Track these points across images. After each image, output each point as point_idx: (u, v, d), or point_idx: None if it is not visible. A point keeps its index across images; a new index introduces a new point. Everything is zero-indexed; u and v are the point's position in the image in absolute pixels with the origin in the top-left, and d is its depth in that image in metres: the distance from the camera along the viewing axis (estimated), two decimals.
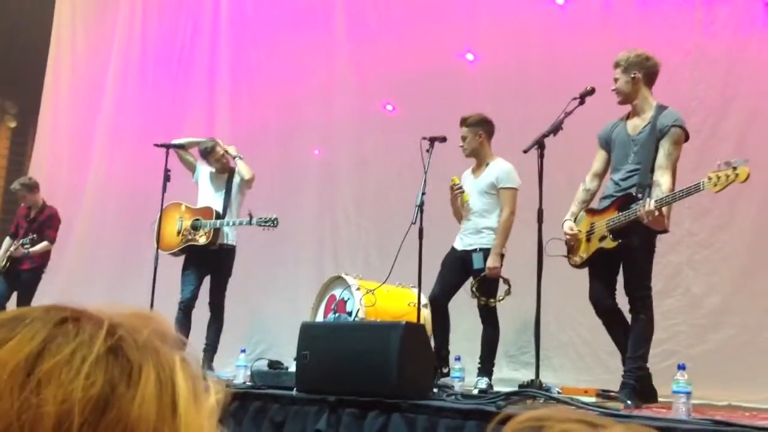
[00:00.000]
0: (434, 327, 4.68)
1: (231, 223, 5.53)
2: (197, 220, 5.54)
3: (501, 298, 4.61)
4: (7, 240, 6.91)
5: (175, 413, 0.48)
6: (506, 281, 4.62)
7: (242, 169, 5.64)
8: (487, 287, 4.62)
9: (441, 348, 4.68)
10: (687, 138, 3.97)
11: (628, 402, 3.61)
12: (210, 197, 5.68)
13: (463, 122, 4.85)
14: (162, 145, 5.62)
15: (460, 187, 4.80)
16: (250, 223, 5.38)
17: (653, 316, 3.87)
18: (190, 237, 5.52)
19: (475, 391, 4.22)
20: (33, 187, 6.88)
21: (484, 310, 4.65)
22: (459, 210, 4.89)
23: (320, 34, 7.52)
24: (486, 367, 4.62)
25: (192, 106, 8.25)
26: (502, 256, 4.66)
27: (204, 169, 5.79)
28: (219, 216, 5.54)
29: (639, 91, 4.04)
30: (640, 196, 3.83)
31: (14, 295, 6.88)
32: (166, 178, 5.50)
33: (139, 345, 0.49)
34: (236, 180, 5.70)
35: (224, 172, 5.74)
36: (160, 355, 0.48)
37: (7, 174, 10.42)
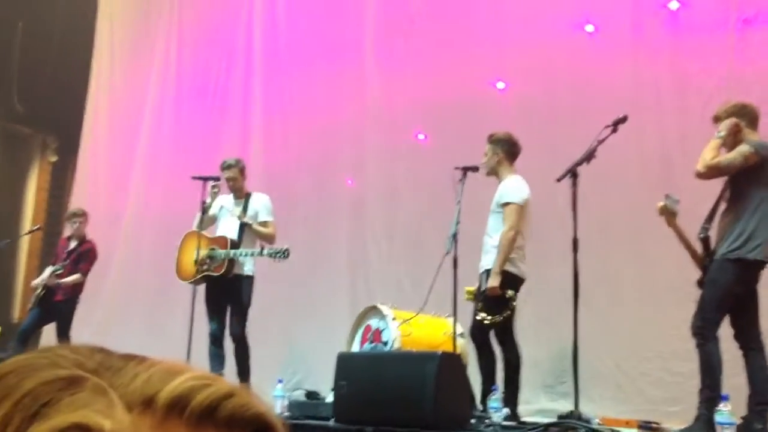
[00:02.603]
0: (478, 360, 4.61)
1: (243, 254, 5.50)
2: (213, 249, 5.55)
3: (497, 319, 4.44)
4: (48, 270, 7.06)
5: None
6: (510, 298, 4.47)
7: (260, 231, 5.60)
8: (494, 307, 4.49)
9: (484, 382, 4.54)
10: None
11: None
12: (227, 225, 5.68)
13: (488, 138, 4.85)
14: (199, 178, 5.70)
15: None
16: (261, 254, 5.38)
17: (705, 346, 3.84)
18: (205, 267, 5.51)
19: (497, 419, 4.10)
20: (87, 217, 7.09)
21: (499, 334, 4.57)
22: None
23: (351, 64, 7.63)
24: (507, 396, 4.42)
25: (226, 138, 8.39)
26: (504, 273, 4.50)
27: (224, 198, 5.79)
28: (234, 244, 5.53)
29: (743, 134, 4.03)
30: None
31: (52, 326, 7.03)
32: (203, 210, 5.60)
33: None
34: (252, 208, 5.67)
35: (240, 197, 5.73)
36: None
37: (48, 207, 10.66)
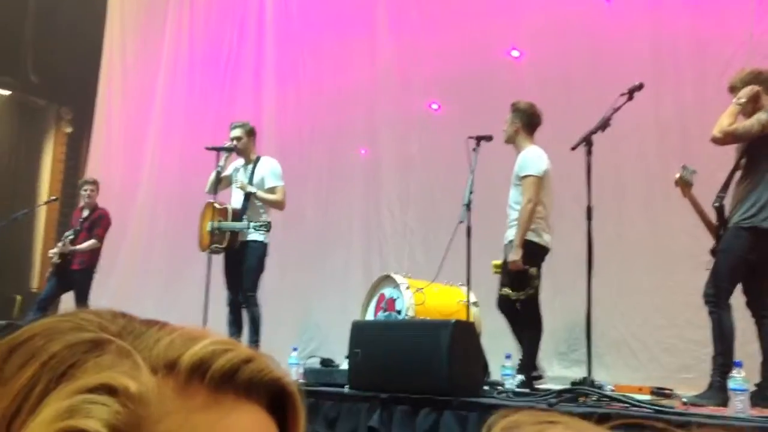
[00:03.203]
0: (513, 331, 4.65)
1: (233, 228, 5.49)
2: (219, 221, 5.55)
3: (521, 296, 4.48)
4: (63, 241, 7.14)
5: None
6: (533, 275, 4.49)
7: (265, 199, 5.57)
8: (518, 283, 4.51)
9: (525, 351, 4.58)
10: None
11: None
12: (236, 194, 5.68)
13: (511, 106, 4.84)
14: (212, 148, 5.71)
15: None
16: (247, 227, 5.39)
17: (718, 314, 3.85)
18: (215, 239, 5.53)
19: (510, 386, 4.14)
20: (98, 186, 7.16)
21: (523, 306, 4.59)
22: None
23: (364, 33, 7.58)
24: (523, 364, 4.52)
25: (239, 107, 8.38)
26: (528, 244, 4.52)
27: (239, 161, 5.76)
28: (237, 214, 5.53)
29: (762, 102, 3.97)
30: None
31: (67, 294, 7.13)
32: (217, 173, 5.61)
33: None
34: (258, 174, 5.63)
35: (249, 162, 5.69)
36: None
37: (64, 178, 10.74)
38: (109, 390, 0.42)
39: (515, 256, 4.51)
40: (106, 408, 0.41)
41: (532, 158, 4.64)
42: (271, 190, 5.59)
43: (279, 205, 5.62)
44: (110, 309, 0.51)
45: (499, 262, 4.73)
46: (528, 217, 4.53)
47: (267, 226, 5.37)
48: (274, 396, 0.48)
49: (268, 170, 5.65)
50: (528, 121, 4.78)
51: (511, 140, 4.81)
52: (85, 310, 0.49)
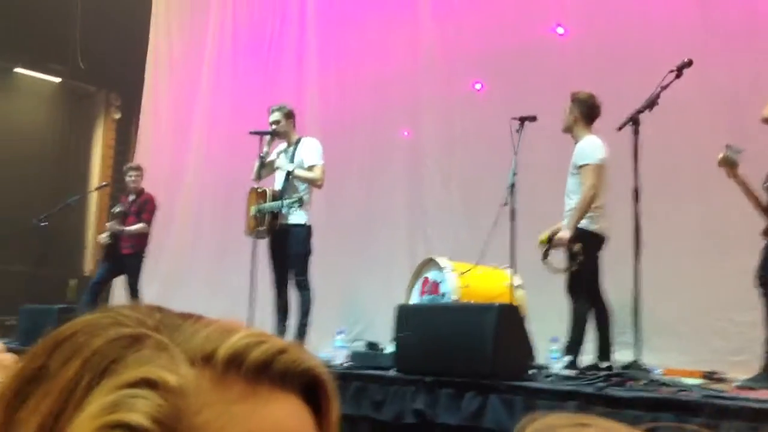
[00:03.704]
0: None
1: (269, 209, 5.53)
2: (259, 203, 5.60)
3: (561, 271, 4.56)
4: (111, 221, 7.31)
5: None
6: (577, 252, 4.48)
7: (303, 176, 5.57)
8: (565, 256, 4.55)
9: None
10: None
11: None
12: (279, 177, 5.71)
13: (570, 96, 4.79)
14: (256, 133, 5.76)
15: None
16: (281, 206, 5.42)
17: None
18: (258, 221, 5.57)
19: (557, 370, 4.12)
20: (142, 171, 7.30)
21: (571, 285, 4.58)
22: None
23: (406, 13, 7.52)
24: (570, 345, 4.48)
25: (282, 91, 8.42)
26: (584, 232, 4.52)
27: (282, 145, 5.78)
28: (276, 195, 5.57)
29: None
30: None
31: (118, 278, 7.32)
32: (261, 159, 5.66)
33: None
34: (298, 154, 5.63)
35: (290, 144, 5.71)
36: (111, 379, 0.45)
37: (114, 164, 10.97)
38: (150, 384, 0.43)
39: (565, 234, 4.51)
40: (148, 401, 0.43)
41: (591, 147, 4.61)
42: (310, 169, 5.58)
43: (316, 182, 5.59)
44: (146, 304, 0.53)
45: (545, 235, 4.71)
46: (586, 205, 4.52)
47: (299, 201, 5.37)
48: (307, 385, 0.49)
49: (307, 149, 5.65)
50: (587, 111, 4.74)
51: (569, 130, 4.77)
52: (123, 306, 0.51)
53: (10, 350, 0.95)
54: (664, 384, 3.31)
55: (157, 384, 0.44)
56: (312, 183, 5.61)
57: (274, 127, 5.69)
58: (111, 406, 0.42)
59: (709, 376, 3.84)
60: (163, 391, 0.43)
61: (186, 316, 0.50)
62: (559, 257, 4.67)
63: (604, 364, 4.35)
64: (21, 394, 0.46)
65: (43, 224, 7.31)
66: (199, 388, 0.45)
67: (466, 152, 6.83)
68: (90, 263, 10.52)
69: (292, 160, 5.64)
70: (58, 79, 10.72)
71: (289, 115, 5.78)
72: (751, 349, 4.24)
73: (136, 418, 0.42)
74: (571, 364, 4.24)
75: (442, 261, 4.92)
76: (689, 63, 3.98)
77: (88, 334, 0.47)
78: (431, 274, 4.99)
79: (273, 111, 5.76)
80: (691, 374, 3.94)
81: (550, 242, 4.67)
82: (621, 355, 4.40)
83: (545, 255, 4.64)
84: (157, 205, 7.27)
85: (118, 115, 11.31)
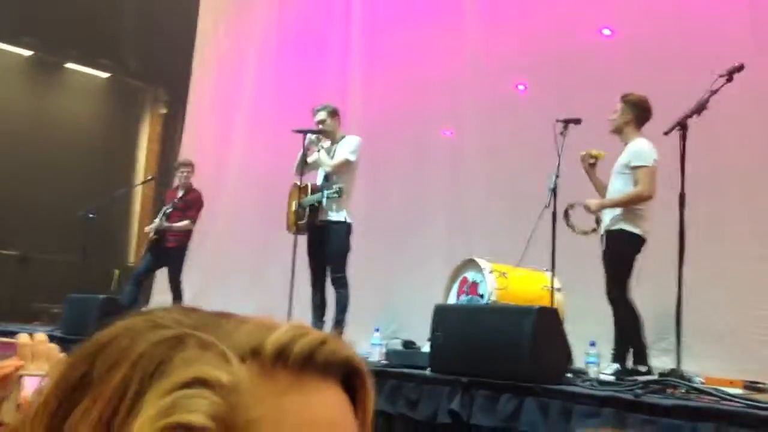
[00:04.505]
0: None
1: (309, 202, 5.56)
2: (301, 198, 5.63)
3: (582, 231, 4.71)
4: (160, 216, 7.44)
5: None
6: (596, 221, 4.64)
7: (327, 163, 5.60)
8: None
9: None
10: None
11: None
12: (320, 174, 5.76)
13: (622, 97, 4.76)
14: (299, 131, 5.81)
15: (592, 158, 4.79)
16: (321, 197, 5.43)
17: None
18: (298, 215, 5.60)
19: (603, 377, 4.10)
20: (194, 168, 7.42)
21: (611, 291, 4.54)
22: (597, 186, 4.83)
23: (451, 15, 7.51)
24: (617, 353, 4.48)
25: (326, 90, 8.47)
26: (623, 233, 4.53)
27: (324, 145, 5.80)
28: (315, 190, 5.60)
29: None
30: None
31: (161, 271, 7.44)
32: (303, 154, 5.71)
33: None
34: (338, 151, 5.66)
35: (335, 142, 5.73)
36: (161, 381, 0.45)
37: (160, 158, 11.17)
38: (204, 383, 0.44)
39: (594, 206, 4.64)
40: (206, 401, 0.43)
41: (646, 149, 4.58)
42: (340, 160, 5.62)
43: (334, 167, 5.57)
44: (179, 305, 0.54)
45: (596, 152, 4.80)
46: (635, 201, 4.53)
47: (339, 192, 5.38)
48: (346, 374, 0.51)
49: (345, 144, 5.69)
50: (641, 114, 4.72)
51: (619, 131, 4.75)
52: (156, 308, 0.52)
53: (52, 339, 0.98)
54: (704, 392, 3.25)
55: (210, 382, 0.44)
56: (335, 169, 5.57)
57: (321, 126, 5.74)
58: (169, 408, 0.43)
59: (751, 386, 3.76)
60: (217, 388, 0.44)
61: (221, 315, 0.51)
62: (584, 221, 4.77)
63: (643, 369, 4.30)
64: (66, 402, 0.46)
65: (91, 216, 7.47)
66: (249, 383, 0.45)
67: (509, 154, 6.78)
68: (135, 255, 10.73)
69: (332, 157, 5.68)
70: (106, 75, 10.96)
71: (334, 114, 5.83)
72: None
73: (196, 418, 0.42)
74: (619, 372, 4.21)
75: (482, 262, 4.90)
76: (740, 67, 3.90)
77: (130, 338, 0.48)
78: (470, 275, 4.97)
79: (318, 111, 5.81)
80: (732, 383, 3.85)
81: (567, 211, 4.75)
82: (661, 362, 4.34)
83: (566, 215, 4.73)
84: (203, 203, 7.38)
85: (164, 111, 11.52)
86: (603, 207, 4.64)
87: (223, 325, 0.49)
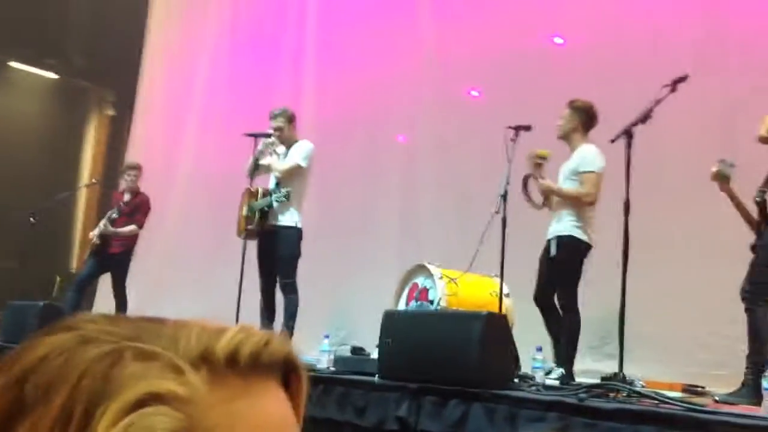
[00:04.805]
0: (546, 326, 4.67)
1: (260, 204, 5.49)
2: (250, 203, 5.56)
3: (535, 205, 4.84)
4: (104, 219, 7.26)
5: None
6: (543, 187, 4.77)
7: (275, 167, 5.54)
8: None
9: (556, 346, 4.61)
10: None
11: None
12: (272, 179, 5.67)
13: (568, 103, 4.81)
14: (251, 135, 5.73)
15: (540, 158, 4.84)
16: (270, 201, 5.37)
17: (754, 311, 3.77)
18: (249, 220, 5.52)
19: (549, 381, 4.13)
20: (141, 171, 7.25)
21: (562, 299, 4.60)
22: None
23: (406, 18, 7.53)
24: (565, 357, 4.52)
25: (278, 92, 8.42)
26: (572, 240, 4.60)
27: (279, 150, 5.73)
28: (266, 194, 5.52)
29: None
30: None
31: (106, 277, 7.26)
32: (255, 158, 5.63)
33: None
34: (291, 155, 5.58)
35: (289, 147, 5.65)
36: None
37: (106, 160, 10.94)
38: (158, 398, 0.41)
39: (546, 183, 4.72)
40: (165, 417, 0.41)
41: (594, 155, 4.64)
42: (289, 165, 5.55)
43: (284, 173, 5.50)
44: (102, 313, 0.50)
45: (544, 152, 4.83)
46: (580, 203, 4.58)
47: (287, 196, 5.30)
48: (285, 371, 0.50)
49: (297, 149, 5.60)
50: (587, 120, 4.78)
51: (566, 136, 4.80)
52: (77, 319, 0.47)
53: None
54: (645, 396, 3.30)
55: (165, 397, 0.41)
56: (283, 174, 5.49)
57: (278, 134, 5.63)
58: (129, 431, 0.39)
59: (690, 389, 3.84)
60: (174, 402, 0.41)
61: (153, 320, 0.48)
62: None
63: (559, 371, 4.37)
64: None
65: (32, 220, 7.25)
66: (203, 392, 0.43)
67: (461, 159, 6.83)
68: (77, 260, 10.47)
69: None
70: (52, 74, 10.70)
71: (291, 119, 5.75)
72: (734, 363, 4.24)
73: None
74: (563, 377, 4.25)
75: (432, 267, 4.91)
76: (684, 78, 3.99)
77: (63, 357, 0.43)
78: (420, 281, 4.97)
79: (276, 116, 5.68)
80: (671, 387, 3.93)
81: (527, 180, 4.83)
82: (604, 366, 4.40)
83: (525, 185, 4.82)
84: (151, 207, 7.22)
85: (111, 112, 11.29)
86: (549, 190, 4.71)
87: (164, 332, 0.46)
